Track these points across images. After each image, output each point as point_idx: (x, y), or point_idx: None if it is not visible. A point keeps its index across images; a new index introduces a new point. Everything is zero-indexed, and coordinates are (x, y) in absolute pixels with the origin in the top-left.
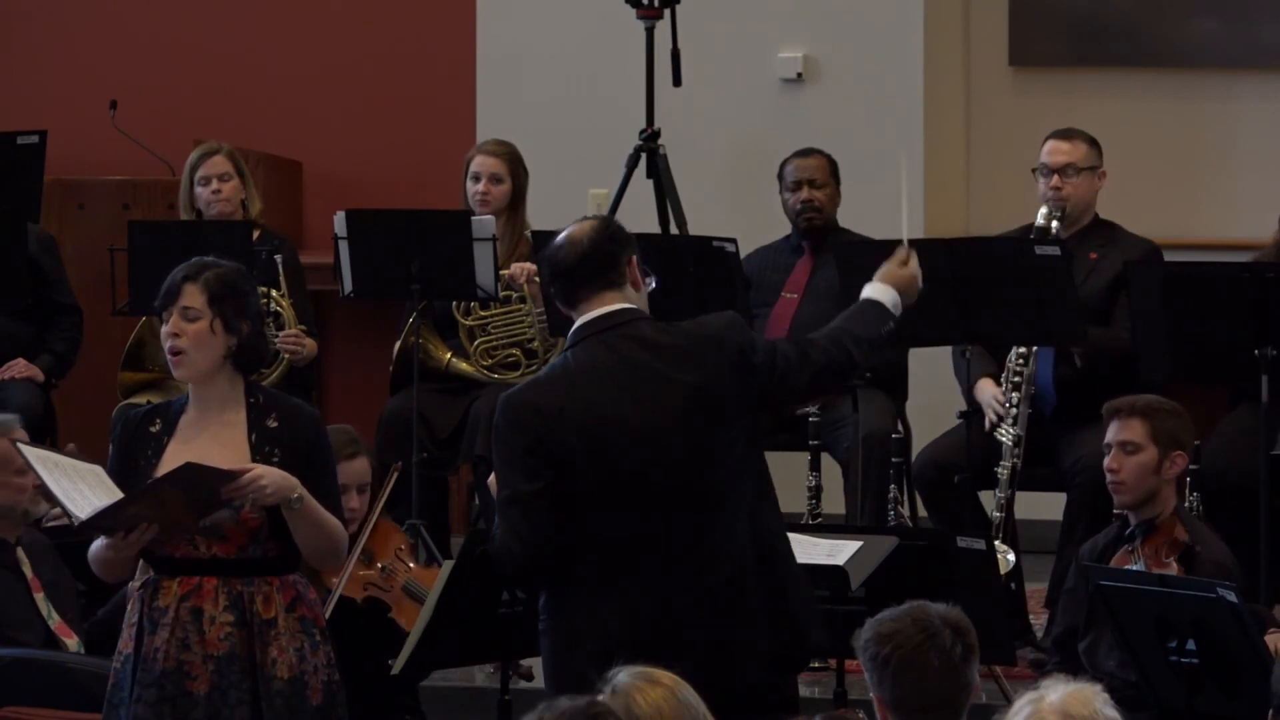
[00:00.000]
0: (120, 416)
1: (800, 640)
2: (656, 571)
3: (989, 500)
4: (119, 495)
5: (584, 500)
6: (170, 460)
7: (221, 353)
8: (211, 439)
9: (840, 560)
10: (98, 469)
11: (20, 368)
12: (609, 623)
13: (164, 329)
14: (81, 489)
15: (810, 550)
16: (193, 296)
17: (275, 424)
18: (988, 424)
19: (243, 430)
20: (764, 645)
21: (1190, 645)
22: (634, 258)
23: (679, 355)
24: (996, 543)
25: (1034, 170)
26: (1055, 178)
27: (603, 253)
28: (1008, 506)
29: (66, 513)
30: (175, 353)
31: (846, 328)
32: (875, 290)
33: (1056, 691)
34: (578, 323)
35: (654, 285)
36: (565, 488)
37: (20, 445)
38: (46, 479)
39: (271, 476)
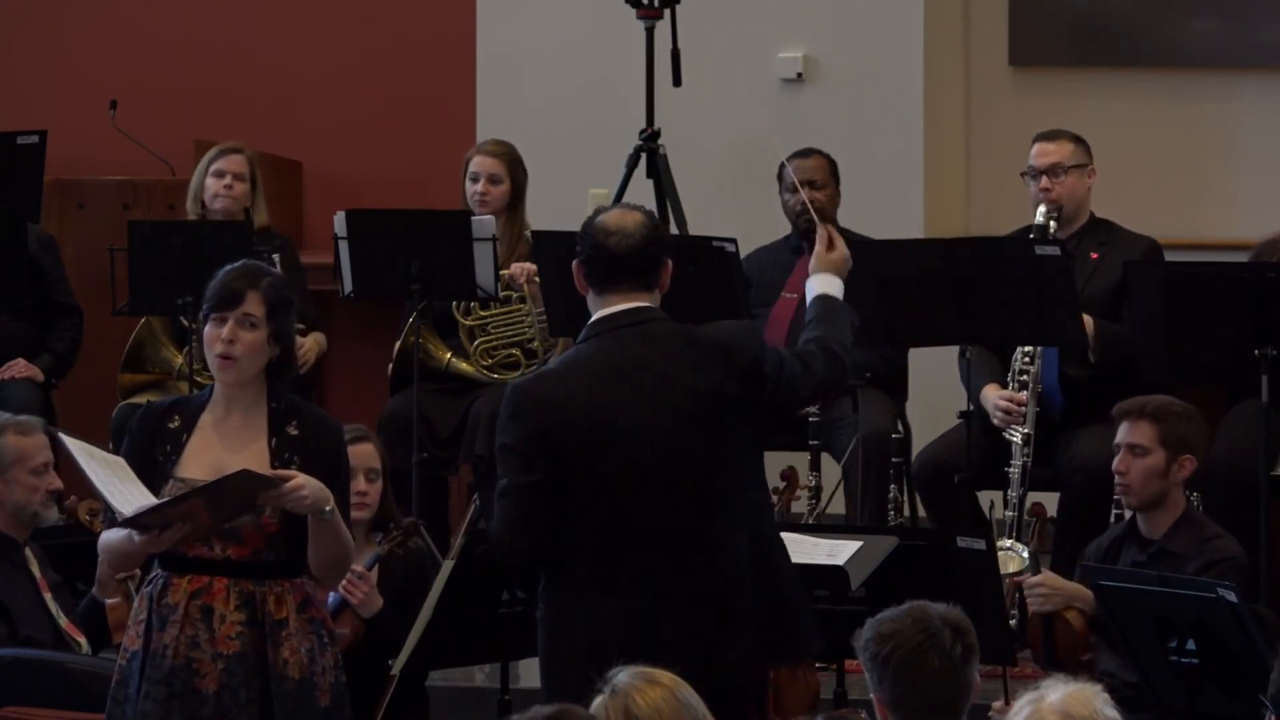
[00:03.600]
0: (133, 410)
1: (793, 635)
2: (649, 573)
3: (988, 500)
4: (143, 487)
5: (580, 496)
6: (192, 457)
7: (265, 363)
8: (233, 440)
9: (840, 560)
10: (122, 461)
11: (20, 368)
12: (598, 621)
13: (215, 332)
14: (117, 483)
15: (810, 550)
16: (255, 305)
17: (296, 431)
18: (996, 426)
19: (264, 434)
20: (751, 645)
21: (1190, 645)
22: (669, 262)
23: (692, 359)
24: (1012, 541)
25: (1022, 174)
26: (1044, 179)
27: (649, 254)
28: (1020, 505)
29: (110, 507)
30: (226, 357)
31: (827, 335)
32: (822, 284)
33: (1056, 691)
34: (597, 315)
35: None
36: (563, 481)
37: (64, 437)
38: (90, 473)
39: (312, 487)
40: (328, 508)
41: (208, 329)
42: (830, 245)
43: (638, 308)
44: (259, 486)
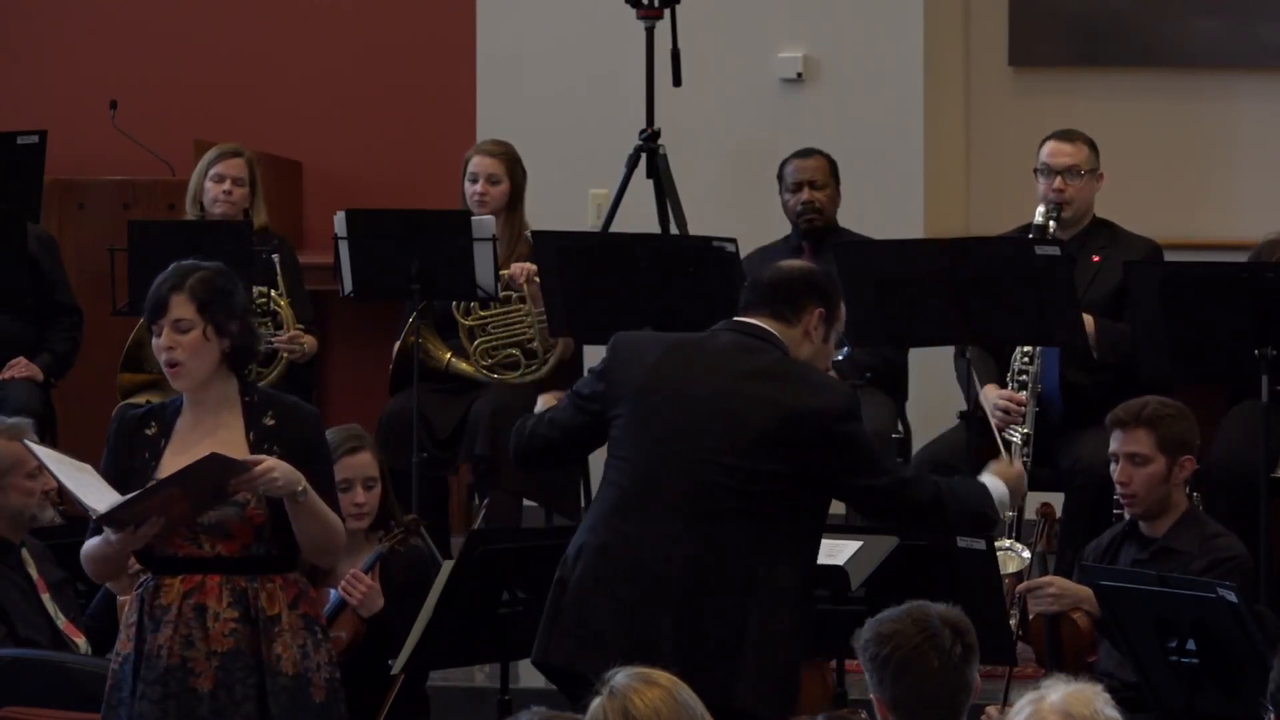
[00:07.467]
0: (116, 417)
1: (780, 693)
2: (639, 560)
3: None
4: (114, 492)
5: (611, 451)
6: (171, 460)
7: (216, 357)
8: (210, 440)
9: (840, 560)
10: (89, 466)
11: (20, 368)
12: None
13: (156, 342)
14: (87, 484)
15: None
16: (182, 307)
17: (273, 421)
18: (995, 427)
19: (240, 429)
20: (720, 686)
21: (1190, 645)
22: (820, 311)
23: (769, 377)
24: (1012, 541)
25: (1035, 170)
26: (1058, 179)
27: (791, 288)
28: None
29: (83, 506)
30: (172, 364)
31: (956, 491)
32: (989, 481)
33: (1057, 691)
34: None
35: (843, 354)
36: (604, 432)
37: (28, 443)
38: (60, 475)
39: (282, 469)
40: (300, 488)
41: (153, 342)
42: (1010, 463)
43: (754, 323)
44: (229, 471)
